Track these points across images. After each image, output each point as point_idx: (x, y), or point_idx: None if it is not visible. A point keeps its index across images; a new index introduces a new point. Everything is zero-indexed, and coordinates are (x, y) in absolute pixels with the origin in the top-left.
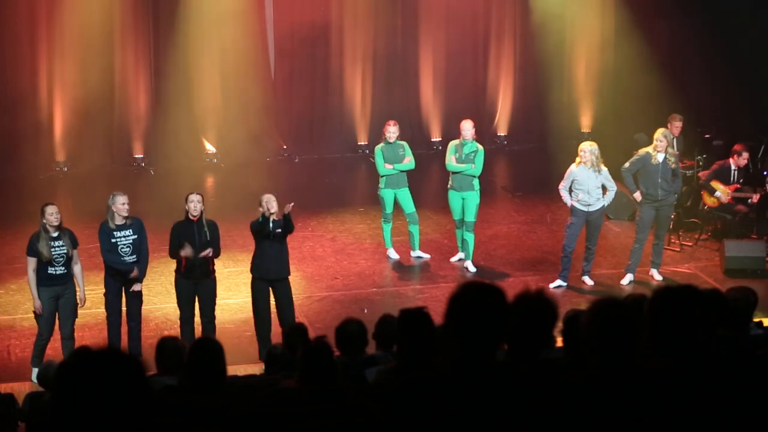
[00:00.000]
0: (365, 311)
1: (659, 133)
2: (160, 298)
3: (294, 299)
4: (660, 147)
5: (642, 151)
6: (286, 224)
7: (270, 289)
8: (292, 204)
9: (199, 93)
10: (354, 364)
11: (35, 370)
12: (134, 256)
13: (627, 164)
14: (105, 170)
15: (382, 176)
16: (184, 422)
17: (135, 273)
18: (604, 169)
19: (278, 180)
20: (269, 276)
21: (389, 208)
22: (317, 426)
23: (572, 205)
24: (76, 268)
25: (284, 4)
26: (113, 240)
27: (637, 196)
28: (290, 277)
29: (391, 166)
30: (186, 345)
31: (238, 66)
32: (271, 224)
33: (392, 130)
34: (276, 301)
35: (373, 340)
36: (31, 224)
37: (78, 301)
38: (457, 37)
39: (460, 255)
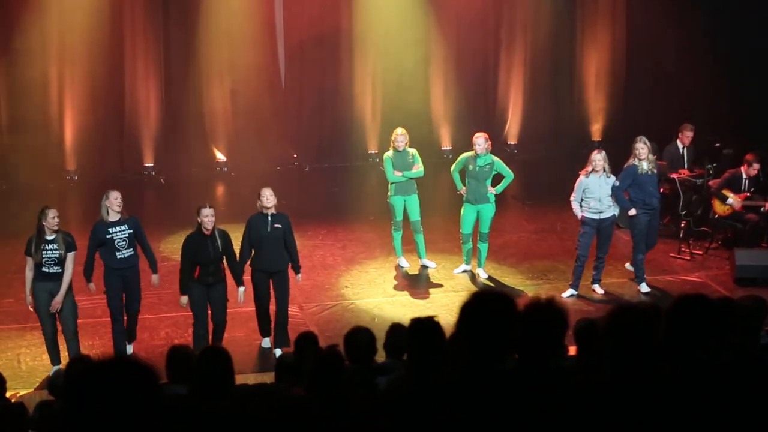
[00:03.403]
0: (375, 320)
1: (640, 141)
2: (170, 307)
3: (305, 308)
4: (643, 155)
5: (627, 164)
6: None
7: (270, 280)
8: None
9: (210, 102)
10: (363, 372)
11: (55, 368)
12: (131, 250)
13: (617, 182)
14: (115, 179)
15: (392, 183)
16: (194, 429)
17: (156, 280)
18: (612, 177)
19: (288, 189)
20: (269, 268)
21: (399, 216)
22: None
23: (583, 215)
24: (66, 274)
25: (294, 14)
26: (108, 236)
27: (633, 212)
28: (300, 285)
29: (400, 174)
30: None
31: (248, 75)
32: (269, 218)
33: (401, 138)
34: (273, 290)
35: (383, 349)
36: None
37: (75, 302)
38: (468, 45)
39: (464, 267)
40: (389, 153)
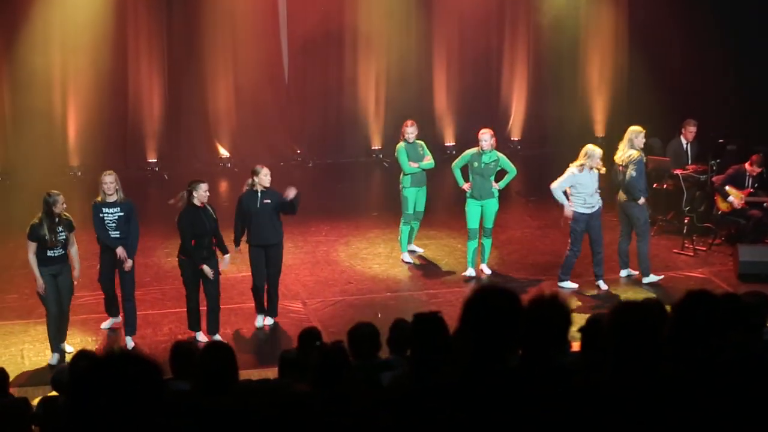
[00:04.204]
0: (379, 316)
1: (642, 132)
2: (173, 303)
3: (308, 303)
4: (643, 144)
5: (635, 156)
6: (292, 207)
7: (265, 253)
8: (294, 191)
9: (213, 97)
10: (367, 368)
11: (55, 355)
12: (118, 233)
13: (634, 173)
14: (119, 175)
15: (406, 175)
16: (197, 426)
17: (121, 253)
18: (596, 172)
19: (292, 184)
20: (263, 242)
21: (412, 208)
22: (330, 430)
23: (575, 212)
24: (73, 249)
25: (298, 9)
26: (101, 215)
27: (642, 200)
28: (304, 280)
29: (416, 165)
30: (199, 349)
31: (251, 70)
32: (259, 194)
33: (411, 131)
34: (266, 262)
35: (386, 345)
36: None
37: (73, 279)
38: (471, 41)
39: (471, 272)
40: (402, 144)
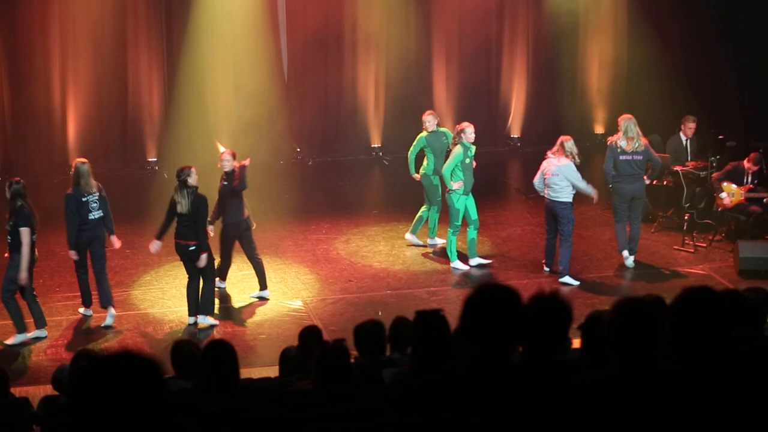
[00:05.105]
0: (379, 313)
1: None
2: (174, 302)
3: (308, 301)
4: None
5: (647, 142)
6: (240, 180)
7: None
8: (248, 159)
9: (213, 96)
10: (370, 365)
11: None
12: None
13: (657, 155)
14: (118, 174)
15: (429, 164)
16: (199, 425)
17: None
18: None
19: (292, 183)
20: (225, 221)
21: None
22: (331, 428)
23: (569, 202)
24: (23, 249)
25: (297, 8)
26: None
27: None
28: (304, 278)
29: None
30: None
31: (251, 69)
32: (225, 176)
33: (426, 119)
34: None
35: (387, 342)
36: (44, 228)
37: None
38: (471, 39)
39: (464, 265)
40: (422, 134)
